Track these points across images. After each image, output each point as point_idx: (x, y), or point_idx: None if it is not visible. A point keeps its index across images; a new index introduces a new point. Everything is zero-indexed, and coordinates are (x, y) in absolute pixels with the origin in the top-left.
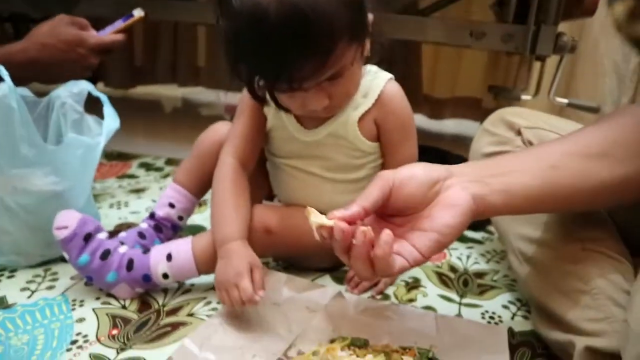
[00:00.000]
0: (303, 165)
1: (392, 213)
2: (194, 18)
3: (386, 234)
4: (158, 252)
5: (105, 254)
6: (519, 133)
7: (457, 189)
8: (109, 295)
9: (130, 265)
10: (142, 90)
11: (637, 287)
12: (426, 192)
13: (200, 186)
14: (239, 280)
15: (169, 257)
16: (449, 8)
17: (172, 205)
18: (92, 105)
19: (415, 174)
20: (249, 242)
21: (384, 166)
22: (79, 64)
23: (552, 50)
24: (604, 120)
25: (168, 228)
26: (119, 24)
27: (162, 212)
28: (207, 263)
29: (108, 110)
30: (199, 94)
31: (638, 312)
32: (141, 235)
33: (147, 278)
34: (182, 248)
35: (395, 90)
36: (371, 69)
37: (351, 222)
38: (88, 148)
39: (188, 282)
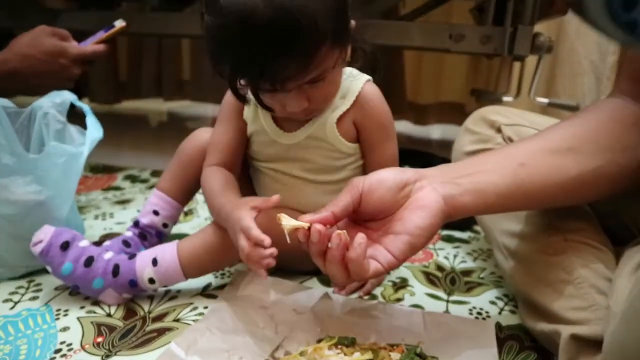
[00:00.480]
0: (284, 168)
1: (365, 218)
2: (178, 30)
3: (360, 237)
4: (143, 257)
5: (89, 261)
6: (499, 130)
7: (427, 190)
8: (94, 304)
9: (116, 270)
10: (128, 105)
11: (619, 273)
12: (396, 196)
13: (184, 192)
14: (238, 246)
15: (155, 262)
16: (429, 15)
17: (156, 213)
18: (77, 120)
19: (384, 178)
20: (233, 244)
21: (364, 167)
22: (61, 75)
23: (529, 50)
24: (577, 115)
25: (152, 235)
26: (101, 34)
27: (146, 219)
28: (194, 267)
29: (91, 120)
30: (185, 107)
31: (618, 295)
32: (126, 243)
33: (133, 283)
34: (168, 252)
35: (373, 91)
36: (351, 72)
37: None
38: (71, 157)
39: (174, 288)
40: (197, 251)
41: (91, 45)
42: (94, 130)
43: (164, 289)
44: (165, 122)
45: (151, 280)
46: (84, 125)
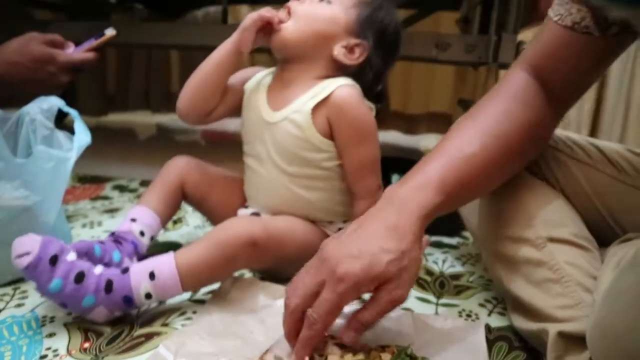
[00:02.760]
0: (262, 151)
1: None
2: (168, 40)
3: None
4: (139, 270)
5: (80, 277)
6: None
7: None
8: None
9: (109, 286)
10: (115, 118)
11: (603, 269)
12: None
13: (165, 208)
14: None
15: (152, 276)
16: (416, 26)
17: (133, 220)
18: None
19: None
20: (234, 256)
21: (342, 167)
22: (49, 82)
23: (513, 57)
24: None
25: (128, 242)
26: (91, 42)
27: (123, 227)
28: (193, 279)
29: (79, 125)
30: (174, 120)
31: (602, 287)
32: (101, 242)
33: (128, 300)
34: (166, 266)
35: (347, 92)
36: (339, 78)
37: None
38: (58, 161)
39: None
40: (197, 265)
41: (80, 52)
42: (82, 135)
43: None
44: (153, 134)
45: (148, 295)
46: (72, 133)
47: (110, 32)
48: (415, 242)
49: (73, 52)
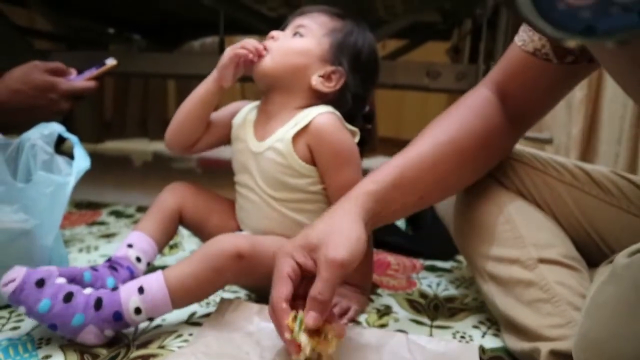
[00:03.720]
0: (249, 180)
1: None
2: (165, 70)
3: None
4: (128, 286)
5: (69, 297)
6: None
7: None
8: None
9: (98, 303)
10: (112, 146)
11: (591, 288)
12: None
13: (161, 234)
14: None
15: (141, 290)
16: (408, 56)
17: (130, 246)
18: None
19: None
20: (221, 269)
21: (326, 190)
22: (50, 109)
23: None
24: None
25: (123, 268)
26: (92, 71)
27: (119, 252)
28: (182, 295)
29: (79, 151)
30: None
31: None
32: (93, 268)
33: (118, 316)
34: (154, 280)
35: (326, 120)
36: (319, 107)
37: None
38: (58, 186)
39: (159, 317)
40: (185, 278)
41: (82, 81)
42: (82, 160)
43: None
44: (149, 162)
45: (137, 310)
46: (70, 158)
47: (111, 61)
48: (345, 216)
49: (74, 80)
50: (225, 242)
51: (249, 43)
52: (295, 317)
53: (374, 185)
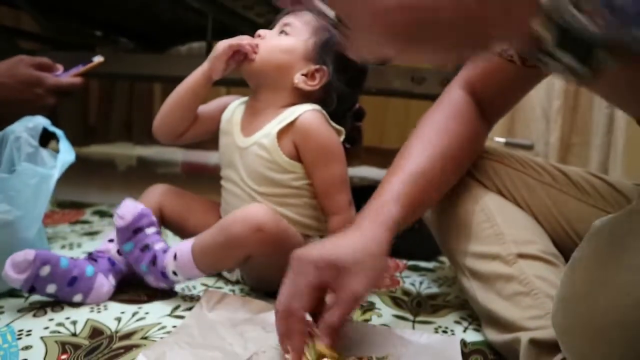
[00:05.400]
0: (234, 175)
1: None
2: (152, 71)
3: None
4: (170, 252)
5: (145, 247)
6: None
7: None
8: (59, 324)
9: (154, 261)
10: (96, 150)
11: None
12: None
13: None
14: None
15: (175, 256)
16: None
17: (111, 240)
18: None
19: None
20: (240, 239)
21: (310, 185)
22: (35, 104)
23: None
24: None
25: (104, 259)
26: (79, 68)
27: (100, 247)
28: (206, 262)
29: (64, 144)
30: (155, 153)
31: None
32: (72, 258)
33: (164, 275)
34: (185, 248)
35: (311, 117)
36: (305, 105)
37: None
38: (42, 178)
39: (142, 310)
40: (206, 247)
41: (68, 77)
42: (66, 153)
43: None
44: (134, 166)
45: (175, 273)
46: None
47: (98, 59)
48: (381, 247)
49: (61, 76)
50: (249, 214)
51: (245, 38)
52: (309, 345)
53: (396, 208)
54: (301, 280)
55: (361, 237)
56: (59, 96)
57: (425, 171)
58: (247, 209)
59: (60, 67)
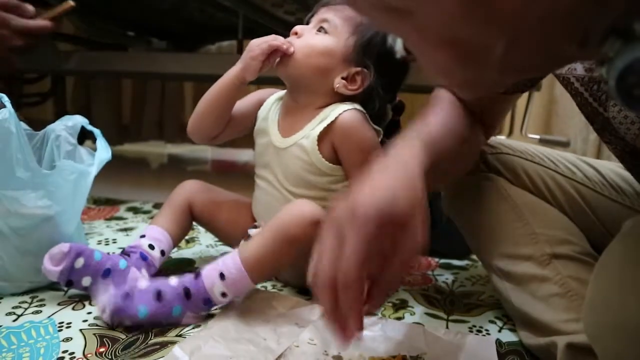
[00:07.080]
0: (270, 175)
1: None
2: (183, 70)
3: None
4: (209, 274)
5: (158, 295)
6: (484, 160)
7: None
8: (97, 317)
9: (187, 294)
10: (130, 148)
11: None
12: None
13: (176, 228)
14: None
15: (222, 276)
16: None
17: (142, 236)
18: None
19: None
20: (297, 237)
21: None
22: (2, 45)
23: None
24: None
25: (136, 253)
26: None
27: (132, 243)
28: (259, 272)
29: (101, 142)
30: (186, 151)
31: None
32: (107, 254)
33: (207, 301)
34: (231, 264)
35: (350, 117)
36: (344, 104)
37: None
38: (80, 174)
39: None
40: (261, 256)
41: (36, 20)
42: (103, 151)
43: None
44: (165, 164)
45: (224, 294)
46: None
47: (68, 2)
48: (423, 191)
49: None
50: (304, 209)
51: (280, 38)
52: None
53: (429, 159)
54: (360, 244)
55: (409, 175)
56: (28, 39)
57: (444, 121)
58: (296, 207)
59: (29, 8)
